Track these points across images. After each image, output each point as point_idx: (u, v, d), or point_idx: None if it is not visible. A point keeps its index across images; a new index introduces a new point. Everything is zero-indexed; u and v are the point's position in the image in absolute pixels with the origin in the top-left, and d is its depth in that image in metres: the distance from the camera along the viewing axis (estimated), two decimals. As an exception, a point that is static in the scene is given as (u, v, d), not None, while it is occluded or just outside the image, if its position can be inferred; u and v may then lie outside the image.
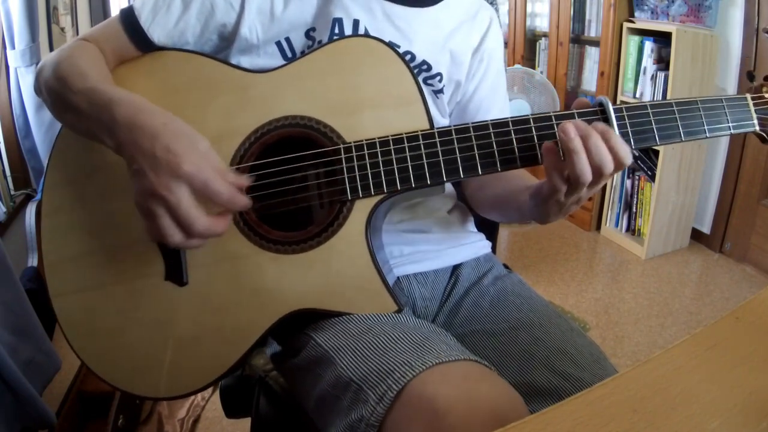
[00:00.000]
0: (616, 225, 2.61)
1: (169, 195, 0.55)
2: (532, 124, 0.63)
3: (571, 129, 0.57)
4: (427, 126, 0.65)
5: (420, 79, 0.76)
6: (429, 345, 0.57)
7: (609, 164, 0.57)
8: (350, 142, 0.65)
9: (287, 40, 0.73)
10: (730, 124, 0.65)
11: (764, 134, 0.67)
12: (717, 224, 2.45)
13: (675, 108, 0.63)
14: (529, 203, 0.68)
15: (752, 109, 0.66)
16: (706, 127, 0.64)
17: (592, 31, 2.69)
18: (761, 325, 0.47)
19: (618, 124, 0.61)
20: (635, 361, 1.13)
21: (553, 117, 0.63)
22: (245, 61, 0.73)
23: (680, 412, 0.38)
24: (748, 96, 0.66)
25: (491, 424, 0.48)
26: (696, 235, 2.54)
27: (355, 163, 0.64)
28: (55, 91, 0.66)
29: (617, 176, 2.53)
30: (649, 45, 2.31)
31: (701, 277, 2.31)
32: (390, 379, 0.53)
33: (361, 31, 0.73)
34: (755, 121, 0.66)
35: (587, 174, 0.57)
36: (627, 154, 0.58)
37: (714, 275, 2.31)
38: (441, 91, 0.79)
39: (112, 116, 0.59)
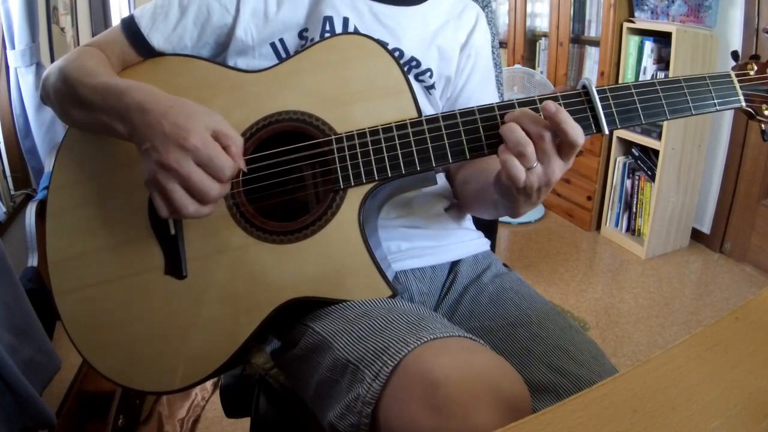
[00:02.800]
0: (616, 225, 2.61)
1: (179, 167, 0.58)
2: (516, 108, 0.64)
3: (506, 120, 0.61)
4: (415, 114, 0.67)
5: (411, 75, 0.79)
6: (424, 323, 0.57)
7: (537, 129, 0.59)
8: (341, 133, 0.66)
9: (281, 41, 0.75)
10: (716, 101, 0.66)
11: (751, 110, 0.68)
12: (717, 224, 2.45)
13: (659, 87, 0.65)
14: (497, 196, 0.69)
15: (737, 85, 0.67)
16: (691, 105, 0.65)
17: (592, 31, 2.69)
18: (761, 325, 0.47)
19: (602, 105, 0.63)
20: (635, 361, 1.13)
21: (537, 100, 0.64)
22: (241, 63, 0.76)
23: (680, 412, 0.38)
24: (732, 73, 0.67)
25: (487, 392, 0.49)
26: (696, 235, 2.54)
27: (347, 152, 0.66)
28: (64, 92, 0.69)
29: (617, 176, 2.53)
30: (649, 45, 2.31)
31: (701, 277, 2.32)
32: (385, 355, 0.53)
33: (351, 28, 0.76)
34: (741, 97, 0.67)
35: (523, 140, 0.59)
36: (574, 130, 0.58)
37: (714, 275, 2.31)
38: (432, 86, 0.81)
39: (125, 104, 0.62)
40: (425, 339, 0.53)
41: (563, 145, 0.60)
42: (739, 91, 0.67)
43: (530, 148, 0.59)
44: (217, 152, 0.59)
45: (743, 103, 0.67)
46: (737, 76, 0.67)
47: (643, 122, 0.65)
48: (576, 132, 0.58)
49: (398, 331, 0.56)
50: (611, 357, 0.69)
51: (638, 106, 0.64)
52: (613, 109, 0.64)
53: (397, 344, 0.53)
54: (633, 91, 0.64)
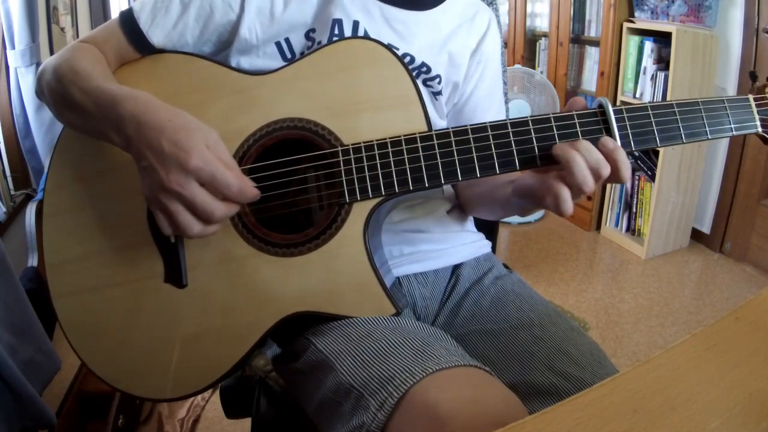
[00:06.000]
0: (616, 225, 2.61)
1: (182, 190, 0.56)
2: (530, 126, 0.62)
3: (569, 146, 0.59)
4: (425, 127, 0.64)
5: (419, 80, 0.76)
6: (429, 351, 0.56)
7: (606, 170, 0.58)
8: (348, 145, 0.65)
9: (287, 40, 0.73)
10: (732, 126, 0.64)
11: (766, 135, 0.66)
12: (717, 224, 2.45)
13: (676, 109, 0.63)
14: (514, 199, 0.68)
15: (755, 110, 0.65)
16: (707, 129, 0.63)
17: (592, 31, 2.69)
18: (761, 325, 0.47)
19: (618, 126, 0.61)
20: (635, 361, 1.13)
21: (552, 119, 0.62)
22: (245, 62, 0.73)
23: (680, 412, 0.38)
24: (751, 97, 0.65)
25: (493, 430, 0.48)
26: (696, 235, 2.54)
27: (353, 165, 0.64)
28: (58, 93, 0.66)
29: (617, 176, 2.53)
30: (649, 45, 2.31)
31: (701, 277, 2.31)
32: (390, 385, 0.52)
33: (361, 32, 0.73)
34: (758, 123, 0.65)
35: (591, 183, 0.58)
36: (627, 168, 0.59)
37: (714, 275, 2.31)
38: (440, 92, 0.79)
39: (119, 113, 0.60)
40: (431, 370, 0.52)
41: (611, 178, 0.60)
42: (756, 116, 0.65)
43: (592, 188, 0.58)
44: (219, 170, 0.57)
45: (759, 129, 0.65)
46: (755, 99, 0.65)
47: (659, 145, 0.62)
48: (627, 172, 0.59)
49: (403, 359, 0.55)
50: (611, 357, 0.69)
51: (654, 128, 0.62)
52: (629, 131, 0.62)
53: (402, 374, 0.53)
54: (650, 112, 0.62)
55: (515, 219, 2.82)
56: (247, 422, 0.85)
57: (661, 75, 2.26)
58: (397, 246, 0.77)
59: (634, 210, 2.51)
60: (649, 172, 2.38)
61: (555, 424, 0.37)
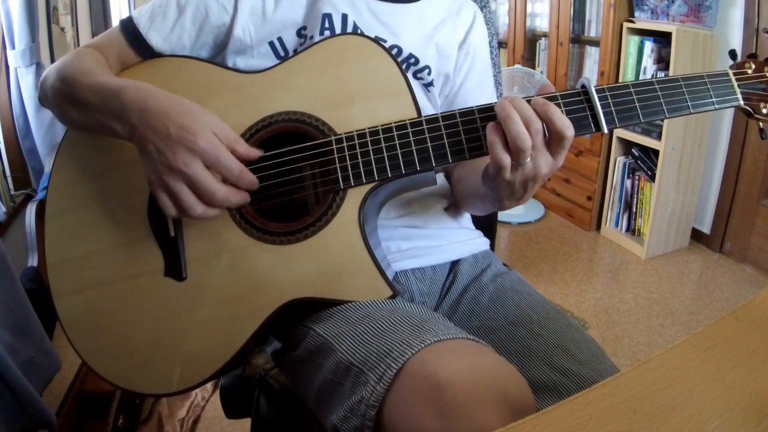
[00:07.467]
0: (616, 225, 2.61)
1: (187, 169, 0.59)
2: None
3: (506, 101, 0.60)
4: (414, 114, 0.67)
5: (409, 73, 0.79)
6: (427, 326, 0.57)
7: (537, 124, 0.59)
8: (341, 134, 0.67)
9: (279, 39, 0.75)
10: (714, 100, 0.67)
11: (749, 108, 0.68)
12: (717, 224, 2.45)
13: (657, 86, 0.65)
14: (484, 190, 0.69)
15: (735, 84, 0.68)
16: (689, 103, 0.66)
17: (592, 31, 2.69)
18: (761, 325, 0.47)
19: (601, 104, 0.63)
20: (635, 361, 1.13)
21: None
22: (240, 62, 0.76)
23: (680, 412, 0.38)
24: (730, 72, 0.68)
25: (492, 395, 0.49)
26: (696, 235, 2.54)
27: (347, 152, 0.66)
28: (62, 92, 0.69)
29: (617, 176, 2.53)
30: (649, 45, 2.31)
31: (701, 277, 2.32)
32: (389, 358, 0.53)
33: (350, 25, 0.76)
34: (739, 96, 0.68)
35: (524, 136, 0.58)
36: (562, 121, 0.59)
37: (714, 275, 2.31)
38: (431, 84, 0.81)
39: (122, 103, 0.62)
40: (429, 342, 0.53)
41: (552, 137, 0.60)
42: (737, 90, 0.68)
43: (529, 144, 0.59)
44: (224, 153, 0.60)
45: (741, 102, 0.68)
46: (735, 74, 0.68)
47: (642, 121, 0.65)
48: (563, 123, 0.59)
49: (401, 334, 0.56)
50: (611, 357, 0.69)
51: (637, 105, 0.65)
52: (612, 108, 0.64)
53: (401, 347, 0.53)
54: (632, 90, 0.65)
55: (515, 219, 2.82)
56: (247, 422, 0.85)
57: (661, 75, 2.26)
58: (394, 242, 0.77)
59: (634, 210, 2.51)
60: (649, 172, 2.38)
61: (555, 424, 0.37)
